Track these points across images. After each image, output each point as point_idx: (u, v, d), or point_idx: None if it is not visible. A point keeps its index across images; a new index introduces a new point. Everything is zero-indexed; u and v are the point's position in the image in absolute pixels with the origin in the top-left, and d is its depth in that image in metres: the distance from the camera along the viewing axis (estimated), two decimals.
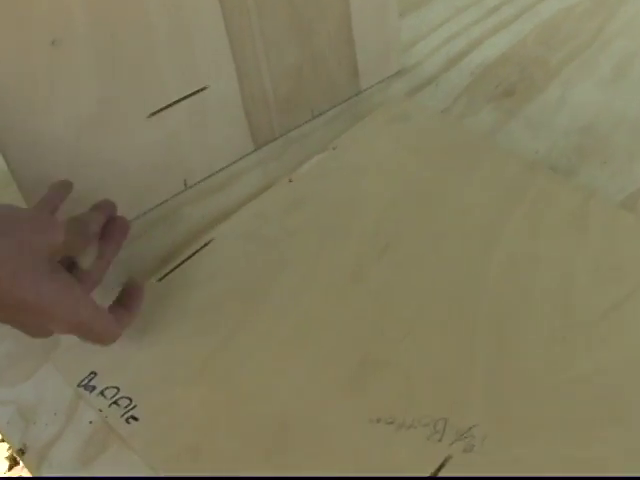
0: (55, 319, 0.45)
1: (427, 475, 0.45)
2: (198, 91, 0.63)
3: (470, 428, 0.47)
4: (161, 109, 0.61)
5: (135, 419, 0.49)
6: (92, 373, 0.52)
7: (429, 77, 0.76)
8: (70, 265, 0.50)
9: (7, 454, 1.25)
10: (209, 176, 0.68)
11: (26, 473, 1.24)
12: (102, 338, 0.49)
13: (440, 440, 0.47)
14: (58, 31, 0.53)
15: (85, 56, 0.55)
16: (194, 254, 0.59)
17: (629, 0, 0.85)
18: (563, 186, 0.62)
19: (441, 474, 0.45)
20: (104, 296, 0.54)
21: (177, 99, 0.62)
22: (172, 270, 0.58)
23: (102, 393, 0.51)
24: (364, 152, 0.66)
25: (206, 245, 0.59)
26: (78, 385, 0.51)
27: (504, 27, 0.83)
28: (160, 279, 0.57)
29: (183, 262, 0.58)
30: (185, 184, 0.66)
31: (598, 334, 0.51)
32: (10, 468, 1.25)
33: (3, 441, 1.20)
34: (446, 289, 0.55)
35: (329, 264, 0.57)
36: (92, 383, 0.51)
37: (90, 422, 0.51)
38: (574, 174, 0.64)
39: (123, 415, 0.49)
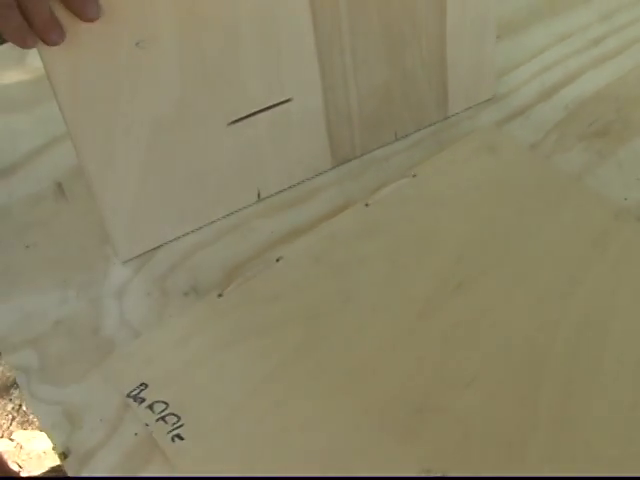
0: None
1: None
2: (281, 103, 0.61)
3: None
4: (242, 118, 0.60)
5: (181, 438, 0.48)
6: (143, 384, 0.51)
7: (520, 108, 0.73)
8: None
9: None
10: (283, 190, 0.66)
11: None
12: None
13: None
14: (143, 33, 0.52)
15: (169, 59, 0.54)
16: (260, 271, 0.57)
17: None
18: None
19: None
20: (169, 303, 0.53)
21: (259, 109, 0.60)
22: (235, 286, 0.57)
23: (151, 407, 0.50)
24: (445, 182, 0.64)
25: (274, 262, 0.58)
26: (127, 395, 0.51)
27: (605, 61, 0.79)
28: (220, 295, 0.56)
29: (247, 280, 0.57)
30: (258, 196, 0.65)
31: None
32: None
33: None
34: (516, 338, 0.52)
35: (397, 298, 0.55)
36: (142, 395, 0.50)
37: (135, 434, 0.50)
38: None
39: (169, 432, 0.48)
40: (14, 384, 1.22)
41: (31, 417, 1.26)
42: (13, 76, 0.83)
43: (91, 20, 0.49)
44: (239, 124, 0.60)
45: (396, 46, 0.64)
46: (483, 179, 0.64)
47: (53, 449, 0.52)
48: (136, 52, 0.53)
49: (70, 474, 0.50)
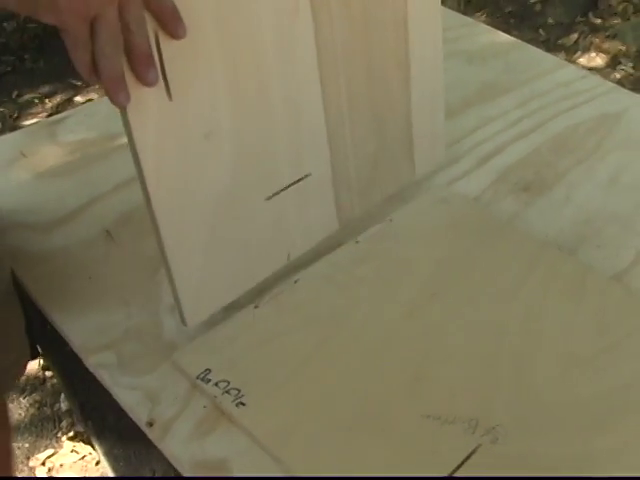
0: None
1: (463, 458, 0.61)
2: (303, 178, 0.74)
3: (495, 427, 0.63)
4: (275, 193, 0.72)
5: (243, 404, 0.65)
6: (207, 370, 0.68)
7: (463, 172, 0.95)
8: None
9: None
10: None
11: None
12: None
13: (473, 433, 0.62)
14: (209, 126, 0.64)
15: (226, 147, 0.66)
16: (284, 289, 0.75)
17: (623, 122, 1.05)
18: (567, 262, 0.80)
19: (472, 459, 0.61)
20: (215, 314, 0.70)
21: (287, 184, 0.73)
22: (267, 300, 0.74)
23: (216, 384, 0.66)
24: (414, 225, 0.84)
25: (293, 283, 0.76)
26: (196, 377, 0.67)
27: (523, 137, 1.02)
28: (256, 306, 0.74)
29: (276, 295, 0.75)
30: (288, 257, 0.77)
31: (591, 366, 0.68)
32: None
33: None
34: (479, 328, 0.72)
35: (389, 305, 0.74)
36: (208, 377, 0.67)
37: (204, 407, 0.66)
38: (575, 254, 0.82)
39: (233, 401, 0.65)
40: None
41: None
42: (47, 149, 0.99)
43: (150, 85, 0.56)
44: (274, 199, 0.72)
45: (380, 124, 0.81)
46: (441, 222, 0.85)
47: None
48: (204, 142, 0.64)
49: (155, 439, 0.65)
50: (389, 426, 0.63)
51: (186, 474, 0.62)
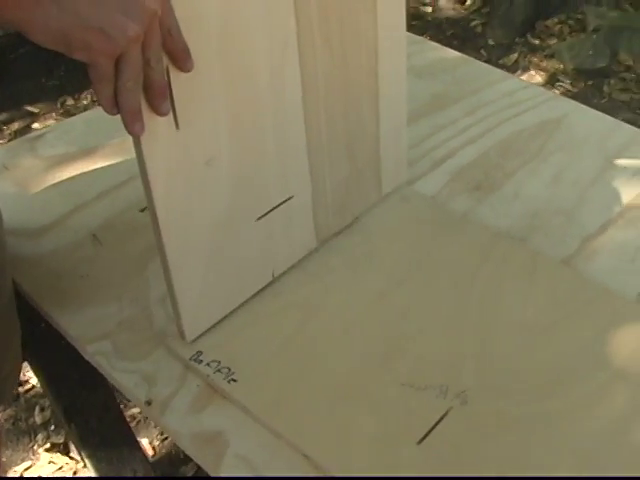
0: None
1: (437, 419, 0.68)
2: (287, 200, 0.80)
3: (463, 391, 0.70)
4: (264, 214, 0.78)
5: (235, 381, 0.71)
6: (198, 352, 0.74)
7: (420, 174, 1.03)
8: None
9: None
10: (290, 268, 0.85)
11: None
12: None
13: (444, 397, 0.70)
14: (211, 152, 0.70)
15: (226, 172, 0.72)
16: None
17: (562, 127, 1.14)
18: (518, 248, 0.88)
19: (445, 419, 0.68)
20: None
21: (275, 206, 0.79)
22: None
23: (208, 364, 0.73)
24: (379, 221, 0.92)
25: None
26: (189, 359, 0.73)
27: (472, 142, 1.11)
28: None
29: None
30: (273, 275, 0.83)
31: (545, 336, 0.76)
32: None
33: None
34: (444, 307, 0.79)
35: (359, 291, 0.81)
36: (200, 358, 0.73)
37: (197, 385, 0.72)
38: (525, 242, 0.91)
39: (225, 378, 0.71)
40: None
41: None
42: (29, 162, 1.04)
43: (164, 115, 0.61)
44: (263, 219, 0.78)
45: (353, 152, 0.87)
46: (402, 219, 0.93)
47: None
48: (205, 168, 0.70)
49: (154, 417, 0.71)
50: (368, 394, 0.70)
51: (186, 446, 0.68)
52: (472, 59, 1.37)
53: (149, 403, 0.71)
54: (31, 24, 0.50)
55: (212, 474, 0.66)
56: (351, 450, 0.66)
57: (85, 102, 2.69)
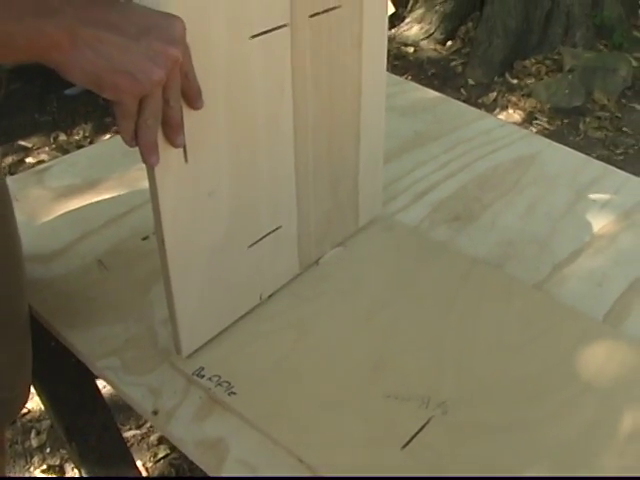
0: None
1: (420, 427, 0.74)
2: (275, 229, 0.87)
3: (444, 402, 0.77)
4: (255, 242, 0.85)
5: (234, 394, 0.77)
6: (201, 367, 0.80)
7: (403, 206, 1.10)
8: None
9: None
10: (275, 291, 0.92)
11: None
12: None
13: (426, 407, 0.76)
14: (213, 184, 0.77)
15: (225, 203, 0.79)
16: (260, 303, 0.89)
17: (536, 162, 1.23)
18: (494, 273, 0.95)
19: (427, 427, 0.75)
20: None
21: (265, 234, 0.86)
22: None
23: (210, 379, 0.79)
24: (365, 249, 0.99)
25: (267, 299, 0.90)
26: (192, 374, 0.79)
27: (452, 176, 1.19)
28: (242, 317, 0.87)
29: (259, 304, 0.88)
30: (260, 297, 0.89)
31: (520, 353, 0.83)
32: None
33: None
34: (425, 326, 0.86)
35: (347, 313, 0.88)
36: (202, 373, 0.79)
37: (200, 397, 0.78)
38: (501, 268, 0.98)
39: (225, 391, 0.77)
40: None
41: None
42: (37, 193, 1.11)
43: (179, 147, 0.68)
44: (254, 246, 0.85)
45: (335, 187, 0.94)
46: (386, 246, 1.00)
47: None
48: (207, 199, 0.76)
49: (159, 426, 0.77)
50: (357, 405, 0.77)
51: (190, 452, 0.74)
52: (451, 99, 1.46)
53: (155, 413, 0.77)
54: (68, 65, 0.57)
55: (214, 475, 0.72)
56: (341, 454, 0.73)
57: (77, 137, 2.76)
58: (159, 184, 0.70)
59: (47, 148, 2.67)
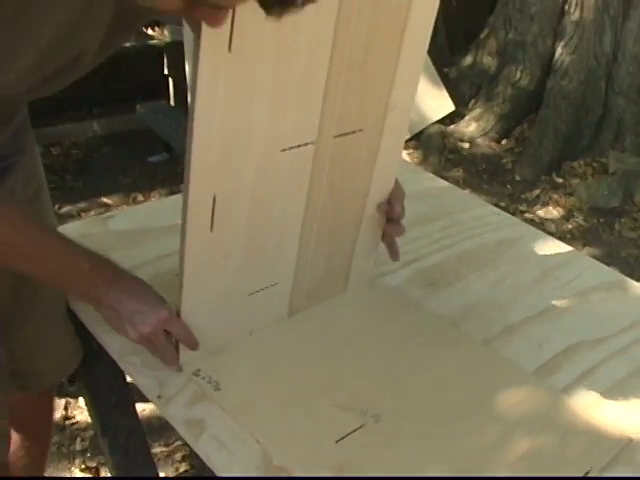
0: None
1: (353, 429, 0.97)
2: (272, 285, 1.08)
3: (378, 414, 0.99)
4: (253, 293, 1.06)
5: (219, 389, 1.01)
6: (198, 369, 1.05)
7: (390, 271, 1.33)
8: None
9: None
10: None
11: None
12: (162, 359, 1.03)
13: (363, 416, 0.99)
14: (228, 249, 0.98)
15: (236, 264, 1.00)
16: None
17: (517, 245, 1.45)
18: (449, 327, 1.18)
19: (360, 430, 0.97)
20: None
21: (263, 287, 1.07)
22: None
23: (203, 378, 1.03)
24: (348, 303, 1.23)
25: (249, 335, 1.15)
26: (192, 373, 1.04)
27: (439, 251, 1.41)
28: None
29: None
30: (250, 333, 1.11)
31: (451, 387, 1.05)
32: None
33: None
34: (379, 360, 1.09)
35: (321, 345, 1.12)
36: (198, 373, 1.04)
37: (194, 390, 1.03)
38: (458, 326, 1.20)
39: (213, 388, 1.02)
40: None
41: None
42: (101, 234, 1.39)
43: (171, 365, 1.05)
44: (251, 295, 1.06)
45: (332, 256, 1.16)
46: (366, 302, 1.24)
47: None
48: (222, 260, 0.97)
49: (161, 406, 1.02)
50: (310, 409, 1.00)
51: (178, 427, 0.98)
52: (458, 188, 1.71)
53: (159, 397, 1.02)
54: (89, 298, 1.01)
55: (193, 447, 0.95)
56: (290, 441, 0.95)
57: (153, 199, 3.11)
58: (187, 243, 0.92)
59: (126, 206, 3.02)
